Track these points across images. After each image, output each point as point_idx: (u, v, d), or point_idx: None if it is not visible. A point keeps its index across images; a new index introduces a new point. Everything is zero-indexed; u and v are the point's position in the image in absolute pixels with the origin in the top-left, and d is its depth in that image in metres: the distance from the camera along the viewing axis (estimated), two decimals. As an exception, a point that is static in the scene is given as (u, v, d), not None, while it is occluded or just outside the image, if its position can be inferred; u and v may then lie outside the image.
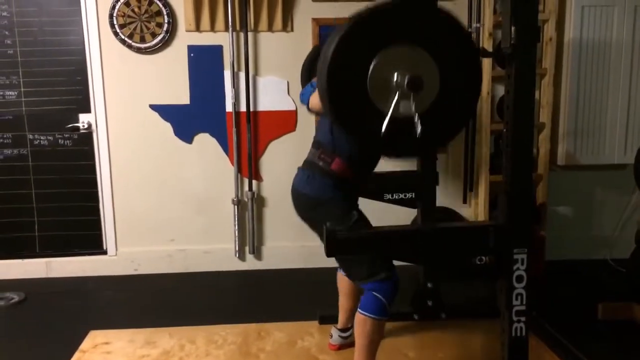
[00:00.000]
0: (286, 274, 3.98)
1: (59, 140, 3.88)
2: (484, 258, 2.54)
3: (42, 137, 3.87)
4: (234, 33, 3.78)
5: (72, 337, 3.02)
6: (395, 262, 2.27)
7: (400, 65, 1.66)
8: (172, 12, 3.76)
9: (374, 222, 2.41)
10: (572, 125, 3.87)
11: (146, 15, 3.73)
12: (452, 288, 3.26)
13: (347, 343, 2.84)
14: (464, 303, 3.36)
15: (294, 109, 3.94)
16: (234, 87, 3.85)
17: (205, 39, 3.82)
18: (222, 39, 3.82)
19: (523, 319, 2.00)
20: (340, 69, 1.65)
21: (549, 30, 3.69)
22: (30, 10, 3.73)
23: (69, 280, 3.92)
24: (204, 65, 3.85)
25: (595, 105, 3.86)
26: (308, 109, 2.63)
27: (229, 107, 3.89)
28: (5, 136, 3.85)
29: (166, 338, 3.01)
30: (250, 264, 4.07)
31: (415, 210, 3.05)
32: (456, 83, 1.72)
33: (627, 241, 4.08)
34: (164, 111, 3.89)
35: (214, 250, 4.04)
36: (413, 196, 2.96)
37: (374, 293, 2.28)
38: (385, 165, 2.82)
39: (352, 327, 2.82)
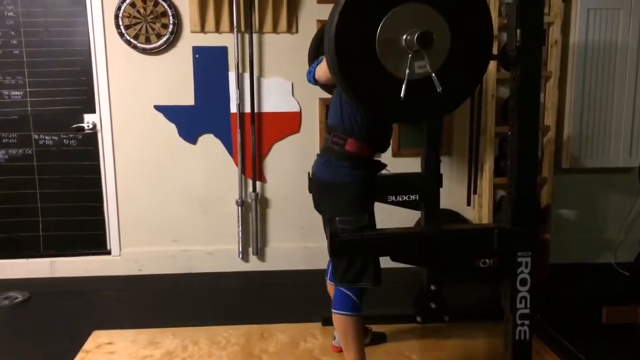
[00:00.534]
0: (289, 275, 3.98)
1: (64, 141, 3.89)
2: (487, 261, 2.55)
3: (47, 137, 3.88)
4: (238, 34, 3.79)
5: (76, 337, 3.03)
6: (398, 264, 2.26)
7: (408, 25, 1.62)
8: (178, 13, 3.77)
9: (378, 224, 2.41)
10: (577, 128, 3.86)
11: (151, 16, 3.74)
12: (456, 291, 3.25)
13: (350, 345, 2.84)
14: (467, 306, 3.35)
15: (298, 110, 3.94)
16: (238, 88, 3.85)
17: (210, 40, 3.83)
18: (227, 40, 3.82)
19: (527, 322, 1.99)
20: (347, 36, 1.61)
21: (554, 33, 3.69)
22: (36, 10, 3.75)
23: (72, 280, 3.93)
24: (209, 66, 3.85)
25: (600, 109, 3.85)
26: (315, 82, 2.58)
27: (233, 108, 3.89)
28: (10, 136, 3.86)
29: (169, 338, 3.01)
30: (254, 265, 4.07)
31: (419, 212, 3.05)
32: (467, 36, 1.68)
33: (631, 244, 4.08)
34: (169, 112, 3.90)
35: (217, 251, 4.04)
36: (417, 198, 2.95)
37: (345, 291, 2.34)
38: (389, 167, 2.82)
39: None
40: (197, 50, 3.83)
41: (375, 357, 2.73)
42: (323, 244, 2.24)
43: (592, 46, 3.77)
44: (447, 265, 2.20)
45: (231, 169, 3.97)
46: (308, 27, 3.83)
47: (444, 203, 3.40)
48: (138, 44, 3.77)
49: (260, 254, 4.07)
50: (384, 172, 2.61)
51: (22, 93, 3.82)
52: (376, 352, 2.80)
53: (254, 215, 4.00)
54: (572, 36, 3.79)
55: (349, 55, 1.64)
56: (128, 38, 3.75)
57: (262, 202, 4.04)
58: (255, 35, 3.83)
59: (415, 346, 2.92)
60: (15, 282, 3.83)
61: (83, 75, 3.84)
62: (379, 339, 2.94)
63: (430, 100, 1.68)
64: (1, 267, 3.94)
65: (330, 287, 2.78)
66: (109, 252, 4.03)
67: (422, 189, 2.95)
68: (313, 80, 2.56)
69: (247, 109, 3.89)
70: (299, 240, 4.05)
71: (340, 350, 2.83)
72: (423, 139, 2.97)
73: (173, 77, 3.85)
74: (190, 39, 3.82)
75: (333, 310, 2.38)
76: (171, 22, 3.75)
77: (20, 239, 3.97)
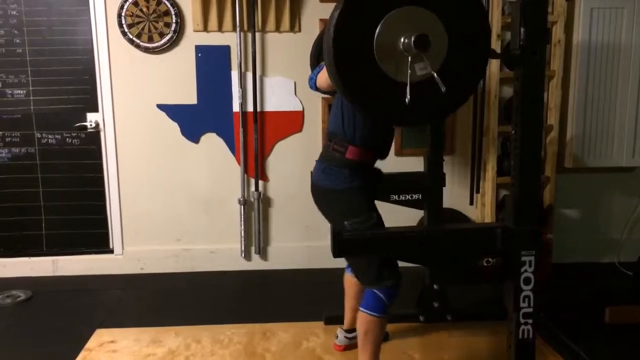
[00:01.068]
0: (292, 274, 3.98)
1: (67, 139, 3.89)
2: (490, 260, 2.54)
3: (50, 136, 3.89)
4: (241, 33, 3.79)
5: (78, 336, 3.04)
6: (401, 263, 2.27)
7: (404, 28, 1.61)
8: (180, 12, 3.77)
9: (380, 223, 2.41)
10: (580, 127, 3.85)
11: (154, 15, 3.74)
12: (458, 290, 3.24)
13: (353, 344, 2.83)
14: (469, 305, 3.35)
15: (300, 109, 3.94)
16: (241, 87, 3.85)
17: (213, 39, 3.83)
18: (229, 39, 3.82)
19: (530, 321, 1.99)
20: (344, 43, 1.61)
21: (558, 33, 3.68)
22: (39, 9, 3.75)
23: (75, 278, 3.94)
24: (212, 65, 3.85)
25: (603, 108, 3.84)
26: (316, 88, 2.59)
27: (236, 107, 3.89)
28: (13, 135, 3.87)
29: (172, 337, 3.02)
30: (256, 264, 4.07)
31: (422, 211, 3.05)
32: (464, 36, 1.67)
33: (634, 244, 4.09)
34: (171, 111, 3.90)
35: (219, 250, 4.04)
36: (420, 197, 2.95)
37: (376, 292, 2.30)
38: (392, 166, 2.81)
39: (357, 327, 2.83)
40: (199, 49, 3.83)
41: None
42: (325, 243, 2.24)
43: (595, 45, 3.76)
44: (451, 264, 2.19)
45: (234, 168, 3.97)
46: (311, 26, 3.83)
47: (447, 202, 3.41)
48: (141, 43, 3.77)
49: (263, 253, 4.07)
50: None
51: (25, 92, 3.83)
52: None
53: (256, 214, 4.00)
54: (576, 35, 3.78)
55: (347, 61, 1.65)
56: (131, 37, 3.76)
57: (265, 201, 4.04)
58: (257, 34, 3.82)
59: (418, 345, 2.92)
60: (18, 281, 3.84)
61: (86, 74, 3.84)
62: (383, 338, 2.94)
63: (433, 102, 1.67)
64: (4, 266, 3.94)
65: (348, 280, 2.79)
66: (111, 251, 4.04)
67: (424, 188, 2.95)
68: (315, 87, 2.58)
69: (250, 108, 3.89)
70: (301, 240, 4.05)
71: (343, 349, 2.85)
72: (426, 138, 2.96)
73: (176, 76, 3.85)
74: (193, 38, 3.82)
75: (360, 308, 2.35)
76: (174, 21, 3.76)
77: (23, 238, 3.97)
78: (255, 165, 3.95)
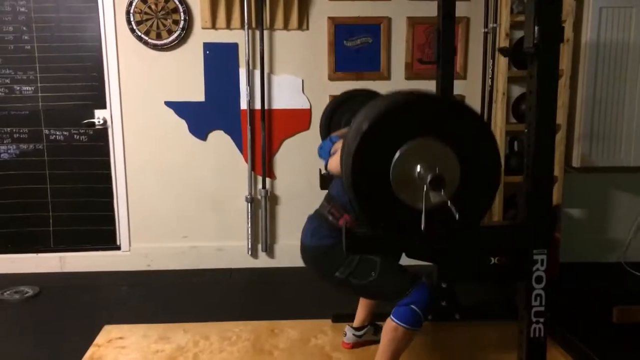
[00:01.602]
0: (298, 272, 3.92)
1: (75, 136, 3.90)
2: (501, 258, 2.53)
3: (57, 133, 3.89)
4: (249, 31, 3.79)
5: (86, 331, 3.04)
6: (409, 262, 2.25)
7: (419, 158, 1.65)
8: (189, 9, 3.77)
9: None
10: (588, 127, 3.84)
11: (163, 12, 3.74)
12: (466, 289, 3.24)
13: (361, 342, 2.84)
14: (478, 304, 3.35)
15: (308, 107, 3.94)
16: (249, 84, 3.85)
17: (221, 36, 3.83)
18: (237, 36, 3.83)
19: (542, 319, 1.99)
20: (363, 164, 1.66)
21: (566, 32, 3.67)
22: (48, 6, 3.75)
23: (82, 275, 3.95)
24: (220, 62, 3.86)
25: (611, 107, 3.83)
26: (326, 167, 2.62)
27: (243, 105, 3.90)
28: (21, 131, 3.87)
29: (180, 334, 3.02)
30: (263, 261, 4.08)
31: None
32: (476, 165, 1.70)
33: (641, 244, 4.08)
34: (179, 108, 3.90)
35: (226, 247, 4.05)
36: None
37: (411, 306, 2.22)
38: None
39: (367, 326, 2.84)
40: (208, 46, 3.84)
41: (386, 354, 2.73)
42: (336, 240, 2.23)
43: (604, 45, 3.75)
44: (462, 263, 2.19)
45: (241, 166, 3.97)
46: (319, 24, 3.84)
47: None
48: (149, 40, 3.77)
49: (270, 250, 4.07)
50: None
51: (33, 88, 3.83)
52: (387, 349, 2.80)
53: (263, 212, 4.00)
54: (584, 34, 3.77)
55: (364, 187, 1.70)
56: (139, 34, 3.76)
57: (272, 199, 4.04)
58: (266, 32, 3.82)
59: (425, 344, 2.91)
60: (26, 277, 3.85)
61: (94, 71, 3.84)
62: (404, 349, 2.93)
63: (446, 226, 1.71)
64: (12, 262, 3.95)
65: None
66: (118, 248, 4.05)
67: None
68: (325, 161, 2.60)
69: (258, 106, 3.89)
70: None
71: (351, 347, 2.85)
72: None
73: (184, 73, 3.86)
74: (201, 35, 3.82)
75: (391, 317, 2.26)
76: (182, 18, 3.76)
77: (31, 234, 3.98)
78: (262, 163, 3.96)
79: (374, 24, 3.86)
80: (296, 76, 3.91)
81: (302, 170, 3.96)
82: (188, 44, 3.83)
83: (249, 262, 4.06)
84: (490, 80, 3.75)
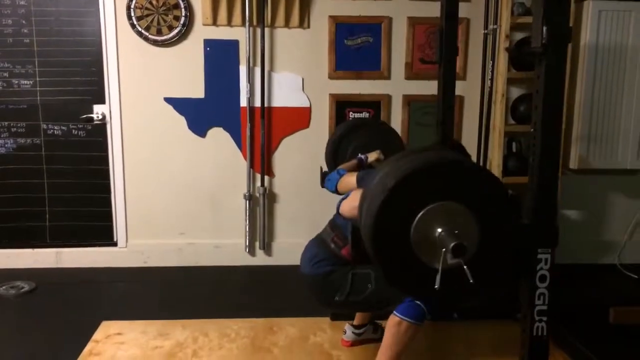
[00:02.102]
0: (296, 270, 3.94)
1: (73, 131, 3.88)
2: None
3: (55, 127, 3.87)
4: (250, 28, 3.78)
5: (84, 327, 3.02)
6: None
7: (440, 221, 1.69)
8: (190, 5, 3.76)
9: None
10: (586, 129, 3.87)
11: (164, 8, 3.73)
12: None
13: (360, 340, 2.85)
14: (476, 304, 3.35)
15: (308, 105, 3.94)
16: (249, 82, 3.85)
17: (222, 33, 3.82)
18: (238, 33, 3.82)
19: (544, 318, 2.00)
20: (383, 231, 1.70)
21: (566, 34, 3.69)
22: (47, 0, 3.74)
23: (78, 270, 3.92)
24: (220, 59, 3.85)
25: (609, 110, 3.86)
26: (334, 191, 2.67)
27: (243, 102, 3.89)
28: (19, 125, 3.84)
29: (179, 330, 3.01)
30: (260, 259, 4.07)
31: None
32: (495, 231, 1.73)
33: (636, 246, 4.12)
34: (179, 104, 3.89)
35: (224, 244, 4.04)
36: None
37: (415, 301, 2.23)
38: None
39: (367, 325, 2.84)
40: (208, 43, 3.83)
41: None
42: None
43: (602, 48, 3.78)
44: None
45: (240, 163, 3.97)
46: (320, 23, 3.84)
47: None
48: (149, 36, 3.76)
49: (267, 248, 4.07)
50: None
51: (31, 82, 3.80)
52: (386, 348, 2.80)
53: (261, 210, 4.00)
54: (583, 37, 3.80)
55: (384, 246, 1.73)
56: (139, 29, 3.74)
57: (270, 197, 4.04)
58: (267, 30, 3.82)
59: (424, 343, 2.92)
60: (21, 272, 3.82)
61: (93, 66, 3.82)
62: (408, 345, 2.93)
63: (460, 288, 1.73)
64: (7, 257, 3.92)
65: None
66: (115, 244, 4.02)
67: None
68: (332, 190, 2.66)
69: (257, 103, 3.89)
70: (306, 236, 3.94)
71: (351, 345, 2.85)
72: (432, 138, 2.97)
73: (184, 69, 3.84)
74: (201, 32, 3.81)
75: (395, 313, 2.26)
76: (183, 14, 3.75)
77: (27, 229, 3.95)
78: (261, 161, 3.95)
79: (375, 23, 3.87)
80: (296, 74, 3.91)
81: (301, 169, 3.96)
82: (189, 40, 3.82)
83: (246, 260, 4.05)
84: (489, 81, 3.78)
